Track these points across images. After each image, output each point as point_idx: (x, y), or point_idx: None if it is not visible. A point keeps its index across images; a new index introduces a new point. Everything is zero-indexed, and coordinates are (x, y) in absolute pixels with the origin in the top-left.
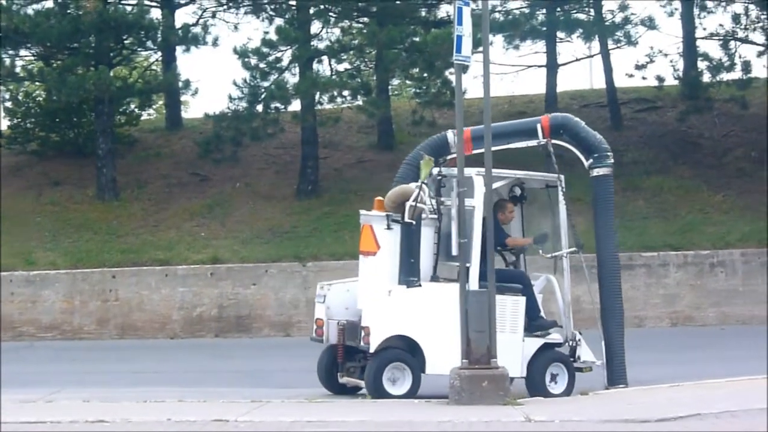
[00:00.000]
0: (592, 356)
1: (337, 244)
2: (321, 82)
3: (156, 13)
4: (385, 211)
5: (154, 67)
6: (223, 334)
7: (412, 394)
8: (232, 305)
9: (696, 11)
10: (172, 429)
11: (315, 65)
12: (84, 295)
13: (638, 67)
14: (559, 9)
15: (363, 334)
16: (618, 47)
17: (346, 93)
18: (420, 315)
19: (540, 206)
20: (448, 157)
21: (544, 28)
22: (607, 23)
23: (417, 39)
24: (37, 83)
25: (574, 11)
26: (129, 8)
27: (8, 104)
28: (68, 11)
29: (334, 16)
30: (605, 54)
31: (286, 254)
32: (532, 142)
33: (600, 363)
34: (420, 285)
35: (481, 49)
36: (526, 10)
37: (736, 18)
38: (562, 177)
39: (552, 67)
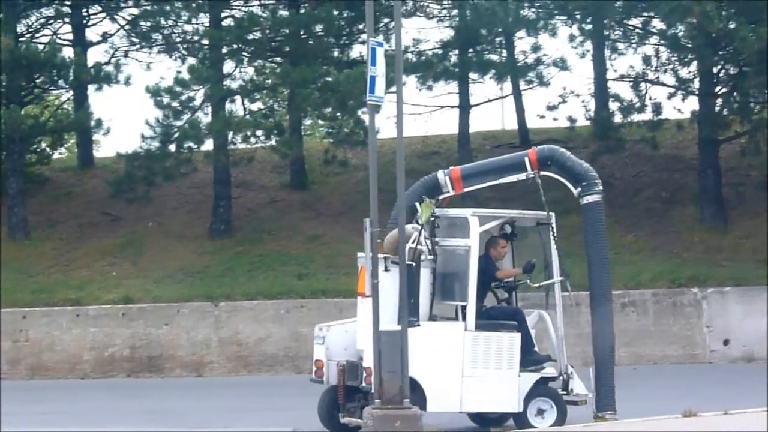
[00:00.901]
0: (584, 389)
1: (250, 283)
2: (234, 122)
3: (68, 52)
4: (384, 253)
5: (65, 106)
6: (135, 374)
7: None
8: (144, 345)
9: (607, 53)
10: None
11: (228, 105)
12: None
13: (550, 108)
14: (471, 50)
15: (365, 374)
16: (530, 88)
17: (259, 133)
18: (419, 354)
19: (529, 242)
20: (441, 197)
21: (457, 69)
22: (519, 64)
23: (330, 79)
24: None
25: (487, 52)
26: (41, 46)
27: None
28: None
29: (247, 55)
30: (517, 95)
31: (199, 294)
32: (521, 176)
33: (591, 395)
34: (419, 324)
35: (394, 89)
36: (439, 51)
37: (646, 60)
38: (552, 215)
39: (465, 107)
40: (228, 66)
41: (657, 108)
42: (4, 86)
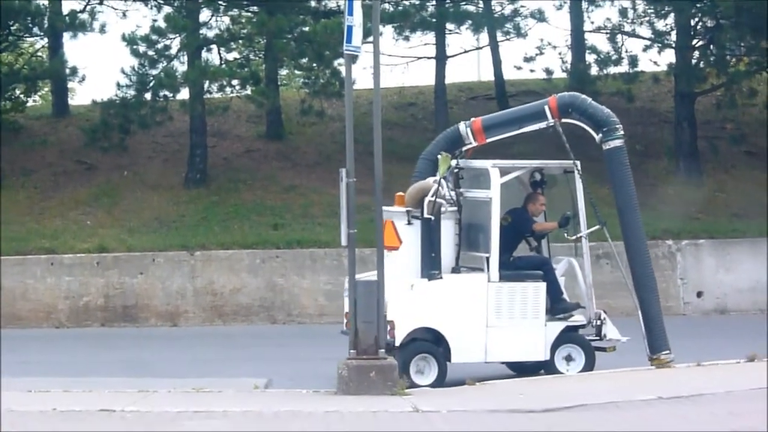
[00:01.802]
0: (618, 334)
1: (225, 233)
2: (210, 71)
3: None
4: (405, 206)
5: (40, 54)
6: (110, 323)
7: (439, 383)
8: (118, 294)
9: (584, 5)
10: (57, 419)
11: (204, 54)
12: None
13: (527, 60)
14: (449, 1)
15: (388, 327)
16: (507, 39)
17: (235, 82)
18: (443, 306)
19: (558, 192)
20: (464, 148)
21: (434, 20)
22: (496, 15)
23: (306, 29)
24: None
25: (464, 3)
26: None
27: None
28: None
29: (224, 4)
30: (494, 46)
31: (174, 243)
32: (542, 125)
33: (626, 340)
34: (441, 277)
35: (371, 39)
36: (417, 2)
37: (623, 12)
38: (578, 162)
39: (441, 58)
40: (204, 15)
41: (633, 60)
42: None
